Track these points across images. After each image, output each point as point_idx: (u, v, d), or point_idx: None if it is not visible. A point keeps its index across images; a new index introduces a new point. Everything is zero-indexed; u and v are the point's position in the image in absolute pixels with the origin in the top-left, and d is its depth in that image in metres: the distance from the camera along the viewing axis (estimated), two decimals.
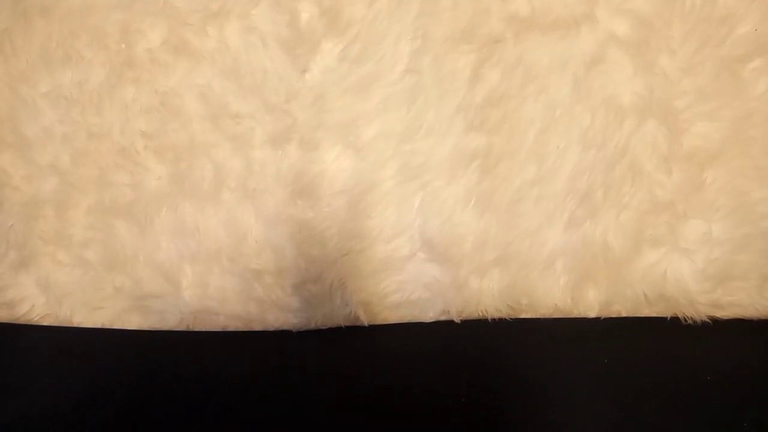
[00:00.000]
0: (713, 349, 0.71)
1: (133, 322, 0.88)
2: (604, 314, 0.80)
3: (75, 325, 0.88)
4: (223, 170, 0.85)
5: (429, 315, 0.85)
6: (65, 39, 0.87)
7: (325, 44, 0.85)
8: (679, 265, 0.78)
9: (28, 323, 0.89)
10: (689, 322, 0.75)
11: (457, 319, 0.83)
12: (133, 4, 0.86)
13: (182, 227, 0.86)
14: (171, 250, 0.86)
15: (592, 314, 0.80)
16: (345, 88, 0.85)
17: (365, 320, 0.84)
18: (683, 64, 0.78)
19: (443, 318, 0.84)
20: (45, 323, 0.89)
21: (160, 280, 0.87)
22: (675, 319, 0.76)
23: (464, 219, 0.82)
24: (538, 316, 0.81)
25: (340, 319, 0.85)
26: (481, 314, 0.83)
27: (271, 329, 0.86)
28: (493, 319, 0.82)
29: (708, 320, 0.75)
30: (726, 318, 0.76)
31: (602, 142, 0.80)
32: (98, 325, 0.88)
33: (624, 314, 0.79)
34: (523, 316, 0.82)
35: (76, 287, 0.88)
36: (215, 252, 0.86)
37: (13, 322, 0.89)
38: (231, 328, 0.86)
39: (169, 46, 0.86)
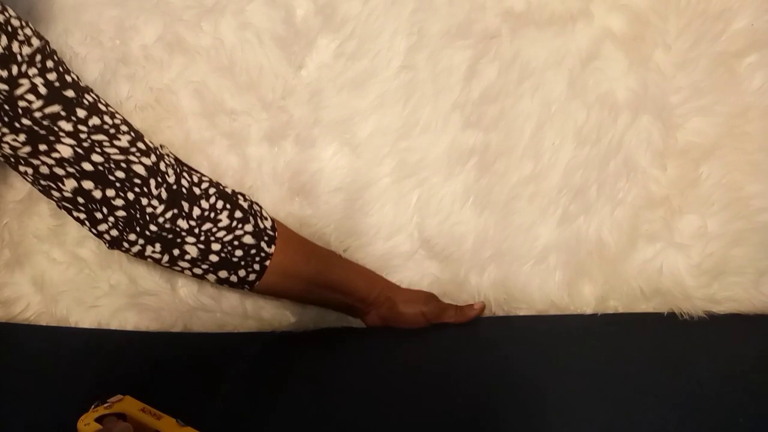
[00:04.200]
0: (709, 344, 0.71)
1: (129, 320, 0.87)
2: (601, 310, 0.80)
3: (71, 324, 0.88)
4: (220, 167, 0.85)
5: None
6: (59, 36, 0.86)
7: (321, 41, 0.85)
8: (675, 260, 0.78)
9: (25, 322, 0.88)
10: (685, 317, 0.76)
11: None
12: (128, 1, 0.86)
13: None
14: None
15: (588, 310, 0.80)
16: (341, 84, 0.85)
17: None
18: (678, 60, 0.78)
19: None
20: (41, 322, 0.88)
21: (155, 277, 0.86)
22: (672, 315, 0.76)
23: (463, 217, 0.82)
24: (534, 313, 0.82)
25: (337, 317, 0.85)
26: None
27: (268, 326, 0.85)
28: (490, 317, 0.82)
29: (704, 315, 0.75)
30: (722, 313, 0.76)
31: (597, 138, 0.80)
32: (95, 323, 0.87)
33: (620, 310, 0.79)
34: (520, 312, 0.82)
35: (71, 285, 0.88)
36: None
37: (9, 321, 0.88)
38: (228, 326, 0.86)
39: (164, 43, 0.86)
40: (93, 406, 0.57)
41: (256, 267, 0.75)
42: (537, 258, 0.81)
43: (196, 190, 0.73)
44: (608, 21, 0.80)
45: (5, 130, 0.66)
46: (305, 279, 0.78)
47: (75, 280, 0.88)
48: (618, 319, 0.78)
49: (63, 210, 0.72)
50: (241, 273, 0.74)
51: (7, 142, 0.66)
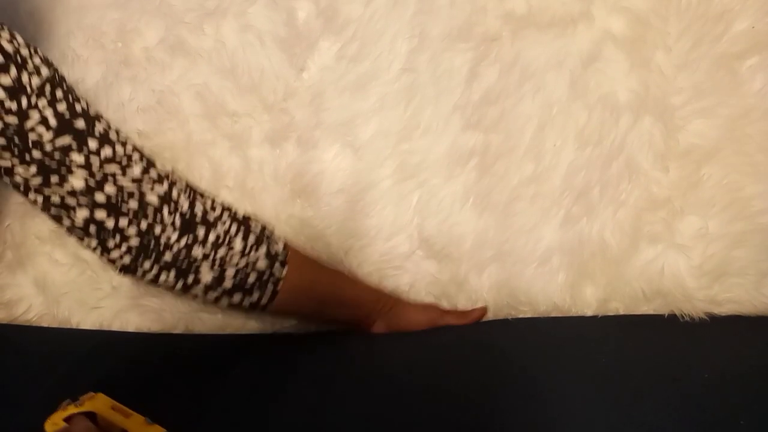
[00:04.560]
0: (710, 346, 0.71)
1: (131, 321, 0.87)
2: (602, 312, 0.80)
3: (73, 325, 0.88)
4: (221, 169, 0.85)
5: None
6: (62, 38, 0.86)
7: (323, 43, 0.85)
8: (676, 262, 0.77)
9: (27, 324, 0.88)
10: (686, 318, 0.75)
11: None
12: (130, 3, 0.86)
13: None
14: None
15: (590, 312, 0.80)
16: (342, 86, 0.85)
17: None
18: (679, 61, 0.78)
19: None
20: (43, 323, 0.88)
21: None
22: (672, 316, 0.76)
23: (462, 218, 0.82)
24: (536, 315, 0.81)
25: None
26: None
27: (269, 328, 0.85)
28: (492, 320, 0.82)
29: (705, 317, 0.75)
30: (723, 314, 0.76)
31: (598, 140, 0.80)
32: (96, 325, 0.87)
33: (622, 311, 0.79)
34: (521, 314, 0.82)
35: (73, 287, 0.88)
36: None
37: (11, 322, 0.88)
38: (229, 328, 0.86)
39: (166, 45, 0.86)
40: (63, 405, 0.56)
41: (269, 290, 0.75)
42: (540, 260, 0.81)
43: (211, 216, 0.73)
44: (609, 23, 0.80)
45: (15, 161, 0.65)
46: (316, 298, 0.79)
47: (77, 281, 0.88)
48: (619, 321, 0.78)
49: (73, 236, 0.72)
50: (255, 297, 0.75)
51: (18, 173, 0.66)
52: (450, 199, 0.83)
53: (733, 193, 0.77)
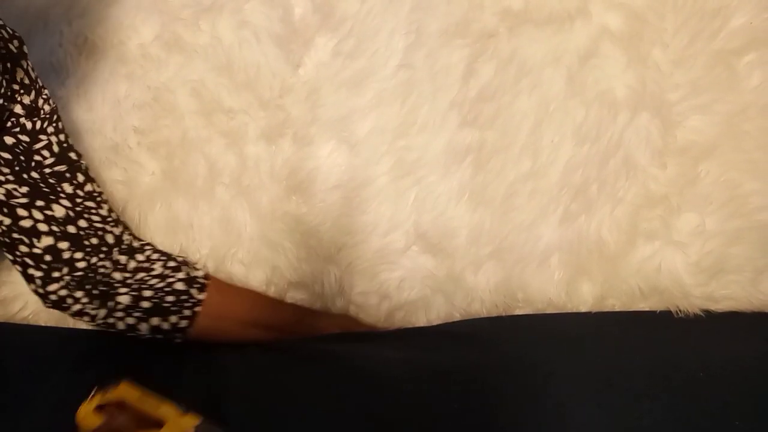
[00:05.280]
0: (706, 344, 0.71)
1: None
2: (599, 308, 0.79)
3: (69, 323, 0.87)
4: (217, 166, 0.85)
5: (426, 311, 0.84)
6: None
7: (319, 39, 0.85)
8: (673, 259, 0.77)
9: (23, 322, 0.88)
10: (682, 315, 0.75)
11: (456, 314, 0.83)
12: (126, 0, 0.86)
13: (176, 224, 0.85)
14: (165, 246, 0.85)
15: (585, 309, 0.80)
16: (339, 83, 0.85)
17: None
18: (676, 57, 0.78)
19: (441, 314, 0.84)
20: (39, 321, 0.88)
21: None
22: (668, 313, 0.76)
23: (457, 213, 0.82)
24: (532, 311, 0.81)
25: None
26: (476, 309, 0.83)
27: None
28: (488, 317, 0.82)
29: (701, 314, 0.75)
30: (720, 311, 0.76)
31: (596, 136, 0.80)
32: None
33: (619, 308, 0.79)
34: (518, 311, 0.82)
35: None
36: (209, 248, 0.86)
37: (7, 320, 0.88)
38: None
39: (162, 42, 0.86)
40: (92, 395, 0.57)
41: (187, 313, 0.76)
42: (539, 257, 0.81)
43: (135, 244, 0.78)
44: (606, 19, 0.80)
45: (11, 177, 0.68)
46: (239, 321, 0.80)
47: None
48: (616, 318, 0.77)
49: (17, 265, 0.73)
50: (173, 319, 0.76)
51: (6, 189, 0.68)
52: (446, 195, 0.82)
53: (731, 190, 0.77)
